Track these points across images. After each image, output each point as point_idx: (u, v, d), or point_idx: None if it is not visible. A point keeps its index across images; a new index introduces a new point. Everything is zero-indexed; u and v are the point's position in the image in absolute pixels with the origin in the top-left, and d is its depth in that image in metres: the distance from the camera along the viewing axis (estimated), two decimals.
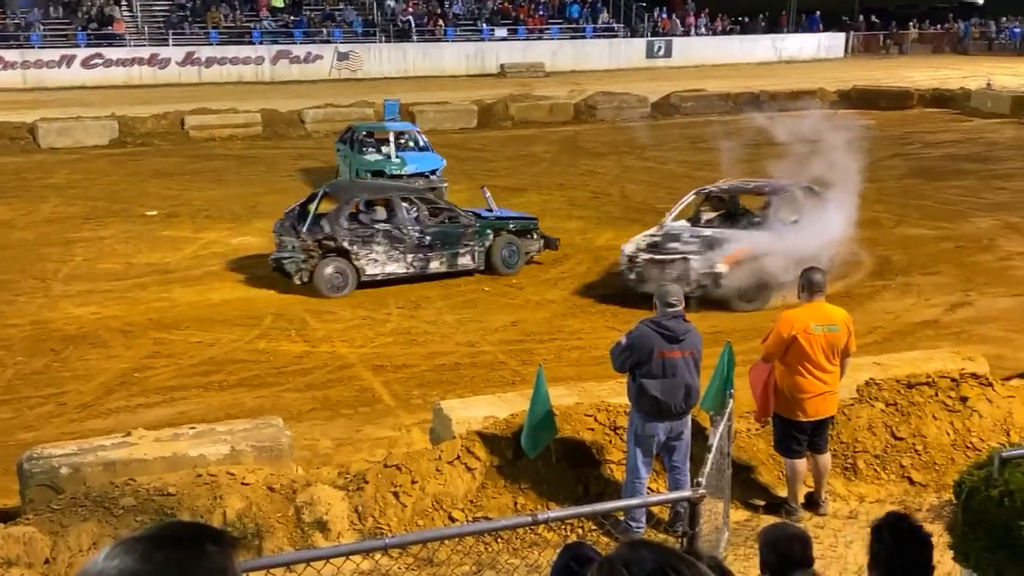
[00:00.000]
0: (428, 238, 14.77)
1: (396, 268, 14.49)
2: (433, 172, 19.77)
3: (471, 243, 14.89)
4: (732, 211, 14.73)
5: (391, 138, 20.42)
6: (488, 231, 15.17)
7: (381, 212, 15.09)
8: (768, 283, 13.17)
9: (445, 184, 19.37)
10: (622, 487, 7.41)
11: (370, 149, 20.49)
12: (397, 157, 19.93)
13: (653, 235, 14.13)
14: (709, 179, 21.88)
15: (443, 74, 39.73)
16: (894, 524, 3.74)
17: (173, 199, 19.96)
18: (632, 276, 13.62)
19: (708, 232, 13.92)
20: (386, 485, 7.32)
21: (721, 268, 13.13)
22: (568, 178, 22.30)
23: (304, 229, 14.21)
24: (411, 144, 20.78)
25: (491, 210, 16.09)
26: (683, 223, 14.48)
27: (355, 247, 14.27)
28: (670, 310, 7.12)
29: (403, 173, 19.33)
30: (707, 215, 14.78)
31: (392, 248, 14.50)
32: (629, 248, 13.93)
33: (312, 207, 14.70)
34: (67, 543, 6.76)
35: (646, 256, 13.59)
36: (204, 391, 11.05)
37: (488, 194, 16.61)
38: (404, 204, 14.99)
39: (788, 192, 14.38)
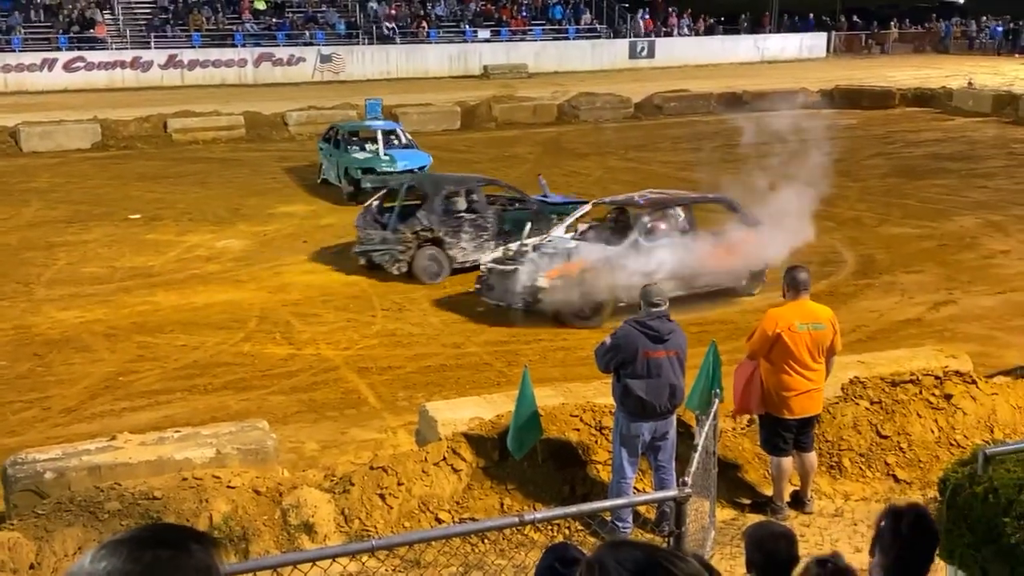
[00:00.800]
0: (507, 225, 15.31)
1: (481, 255, 14.63)
2: (422, 168, 20.16)
3: (540, 228, 14.73)
4: (617, 224, 13.93)
5: (379, 136, 20.80)
6: (553, 216, 15.39)
7: (463, 202, 15.66)
8: (602, 301, 12.78)
9: None
10: (608, 487, 7.43)
11: (355, 147, 20.90)
12: (386, 154, 20.38)
13: (523, 244, 13.75)
14: (692, 179, 22.01)
15: (426, 76, 39.72)
16: (916, 520, 3.73)
17: (156, 202, 19.89)
18: (478, 284, 13.61)
19: (558, 245, 13.47)
20: (372, 487, 7.31)
21: (542, 282, 12.76)
22: (551, 179, 22.27)
23: (397, 222, 14.98)
24: (395, 142, 21.32)
25: (546, 196, 16.86)
26: (563, 233, 14.02)
27: (448, 236, 14.99)
28: (654, 310, 7.14)
29: (394, 170, 19.58)
30: (583, 226, 14.28)
31: (477, 236, 15.19)
32: (488, 257, 13.94)
33: (398, 202, 15.52)
34: (52, 548, 6.74)
35: (491, 265, 13.53)
36: (189, 394, 11.02)
37: (543, 181, 17.56)
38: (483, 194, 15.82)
39: (667, 210, 13.85)
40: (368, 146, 20.90)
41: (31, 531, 6.84)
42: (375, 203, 15.88)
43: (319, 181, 21.40)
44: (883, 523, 3.75)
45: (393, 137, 21.36)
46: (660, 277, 11.47)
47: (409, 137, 21.68)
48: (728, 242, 13.30)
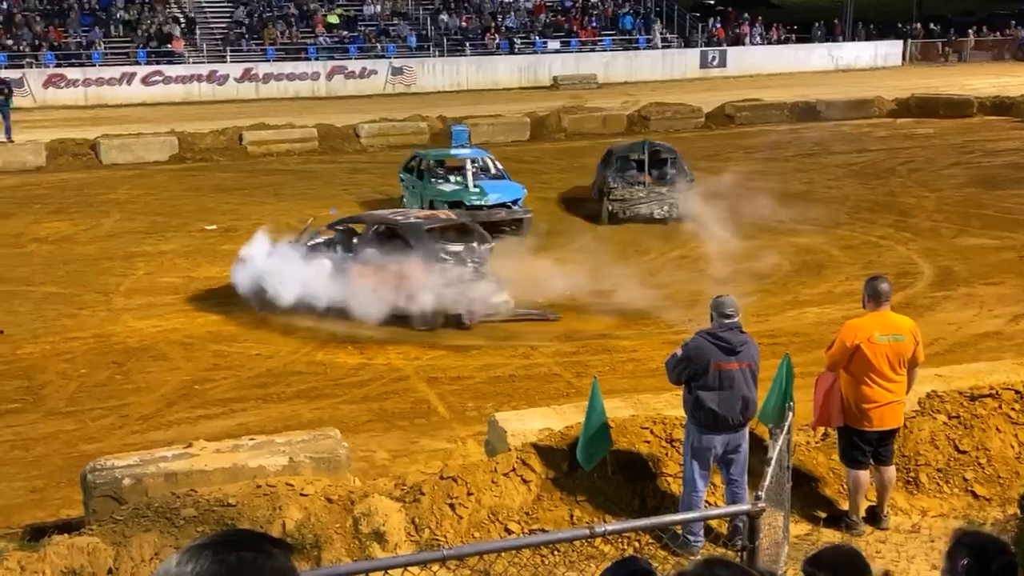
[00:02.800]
0: None
1: None
2: (515, 202, 18.64)
3: None
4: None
5: (467, 166, 19.17)
6: None
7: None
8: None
9: (529, 214, 18.36)
10: (679, 500, 7.36)
11: (441, 179, 19.25)
12: (476, 186, 18.69)
13: None
14: (766, 188, 21.80)
15: (496, 87, 39.84)
16: (1006, 568, 3.45)
17: (232, 213, 20.22)
18: None
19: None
20: (442, 497, 7.34)
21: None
22: None
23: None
24: (485, 172, 19.51)
25: None
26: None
27: None
28: (727, 321, 7.06)
29: (485, 203, 18.20)
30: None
31: None
32: None
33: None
34: (129, 553, 6.86)
35: None
36: (263, 403, 11.17)
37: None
38: None
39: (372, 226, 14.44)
40: (454, 177, 19.20)
41: (109, 536, 6.97)
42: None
43: None
44: (964, 561, 3.41)
45: (482, 167, 19.58)
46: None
47: (500, 166, 19.84)
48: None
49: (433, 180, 19.12)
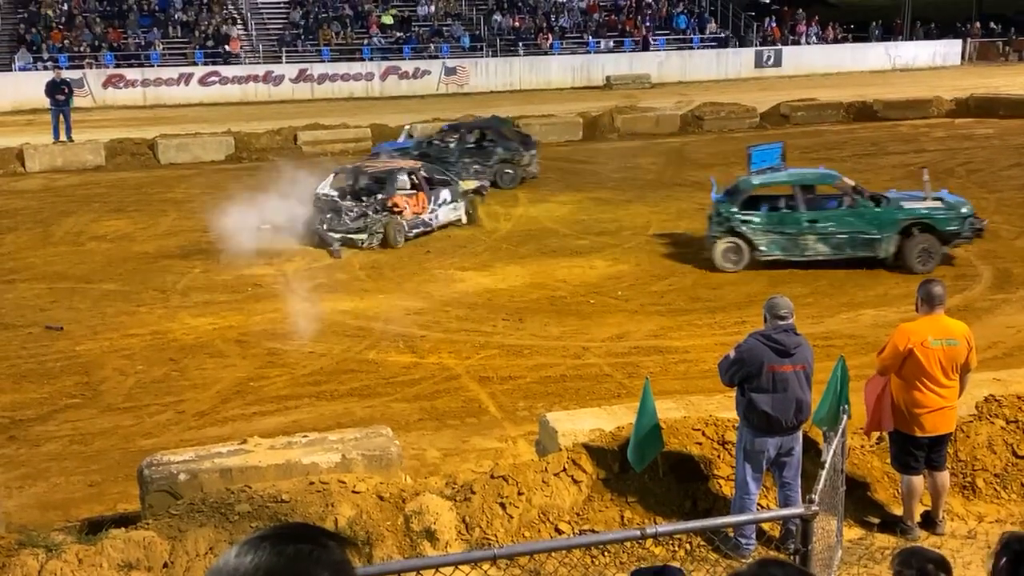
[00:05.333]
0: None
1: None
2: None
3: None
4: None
5: (797, 193, 16.03)
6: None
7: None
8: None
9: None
10: (731, 503, 7.31)
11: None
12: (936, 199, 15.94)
13: None
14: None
15: (549, 87, 39.84)
16: None
17: (284, 212, 20.34)
18: None
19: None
20: (493, 496, 7.36)
21: None
22: (674, 190, 22.14)
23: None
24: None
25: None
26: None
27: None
28: (781, 323, 7.00)
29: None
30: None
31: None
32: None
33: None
34: (184, 548, 6.96)
35: None
36: (316, 400, 11.28)
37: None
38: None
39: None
40: (781, 203, 16.28)
41: (165, 531, 7.08)
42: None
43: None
44: (1002, 561, 3.46)
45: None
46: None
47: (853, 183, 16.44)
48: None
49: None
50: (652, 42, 44.29)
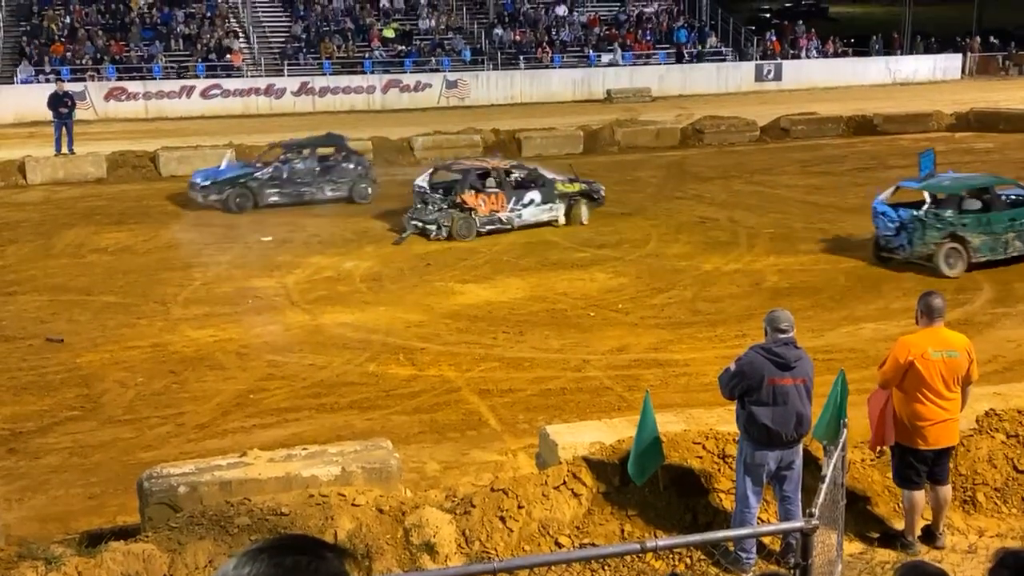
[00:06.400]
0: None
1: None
2: None
3: None
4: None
5: (993, 194, 16.96)
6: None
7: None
8: None
9: None
10: (732, 516, 7.30)
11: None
12: None
13: None
14: (821, 203, 21.63)
15: (550, 100, 39.89)
16: None
17: (287, 224, 20.42)
18: None
19: None
20: (493, 509, 7.35)
21: None
22: (674, 203, 22.18)
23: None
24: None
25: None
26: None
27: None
28: (781, 336, 7.00)
29: None
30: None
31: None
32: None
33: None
34: (184, 560, 6.95)
35: None
36: (316, 412, 11.27)
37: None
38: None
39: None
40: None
41: (164, 543, 7.07)
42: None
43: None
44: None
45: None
46: None
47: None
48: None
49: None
50: (652, 55, 44.43)
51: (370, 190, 22.56)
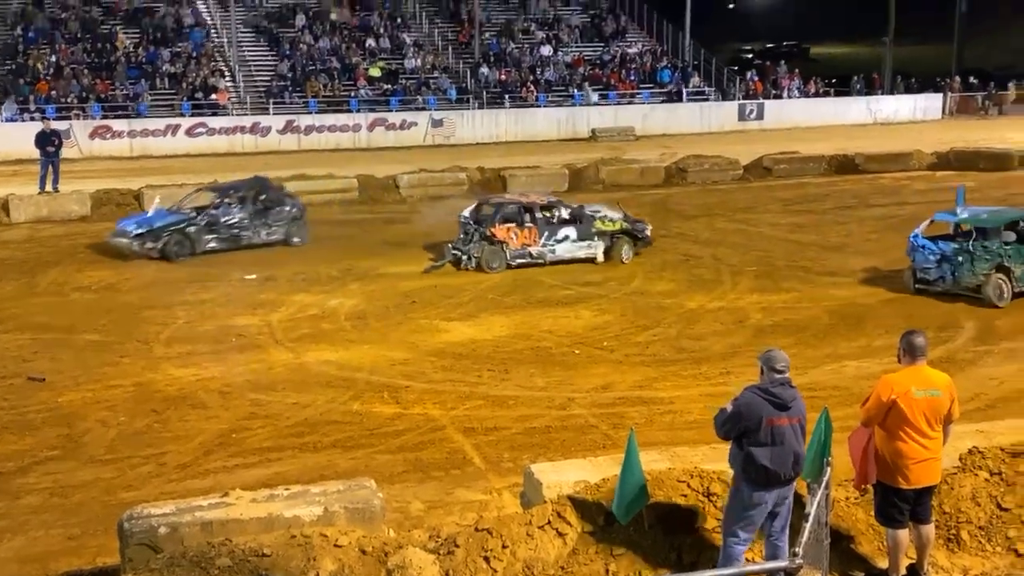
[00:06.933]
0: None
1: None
2: None
3: None
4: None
5: None
6: None
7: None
8: None
9: None
10: (719, 555, 7.26)
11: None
12: None
13: None
14: (803, 241, 21.77)
15: (535, 139, 40.12)
16: None
17: (271, 262, 20.41)
18: None
19: None
20: (477, 549, 7.30)
21: None
22: (659, 240, 22.25)
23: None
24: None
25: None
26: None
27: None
28: (778, 376, 6.99)
29: None
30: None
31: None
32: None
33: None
34: None
35: None
36: (299, 452, 11.21)
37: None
38: None
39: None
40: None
41: None
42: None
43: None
44: None
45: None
46: None
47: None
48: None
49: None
50: (637, 94, 44.79)
51: (305, 232, 22.30)
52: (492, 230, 19.71)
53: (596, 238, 20.19)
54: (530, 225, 19.96)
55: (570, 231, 20.13)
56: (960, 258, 16.81)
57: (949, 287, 16.98)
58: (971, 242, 16.91)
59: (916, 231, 17.76)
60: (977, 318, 15.87)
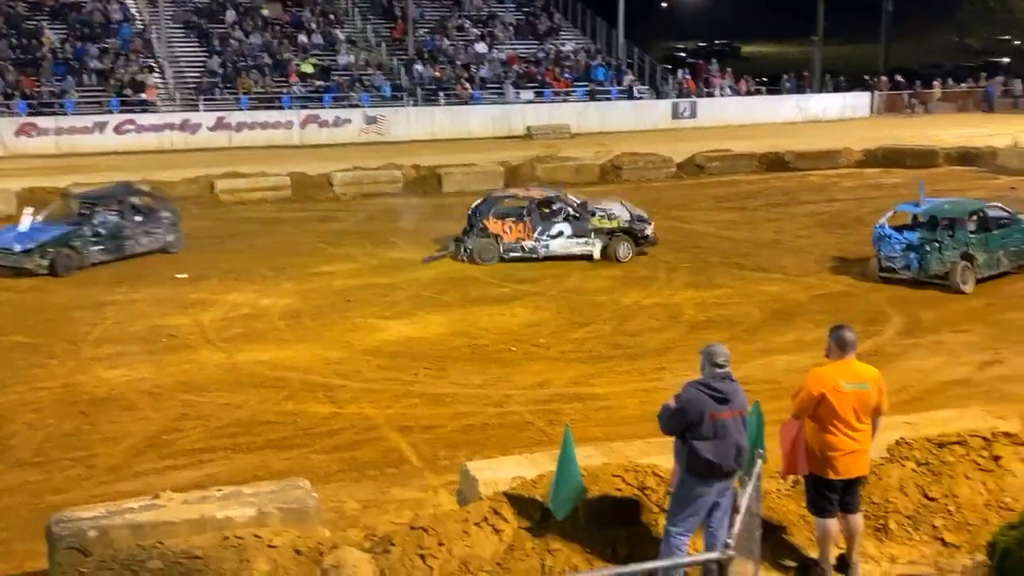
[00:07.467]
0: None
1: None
2: None
3: None
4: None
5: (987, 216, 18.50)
6: None
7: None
8: None
9: None
10: (660, 546, 7.29)
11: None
12: None
13: None
14: (736, 238, 22.02)
15: (470, 136, 40.04)
16: None
17: (202, 262, 20.17)
18: None
19: None
20: (413, 547, 7.28)
21: None
22: None
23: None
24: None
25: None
26: None
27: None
28: (719, 371, 7.05)
29: None
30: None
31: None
32: None
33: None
34: None
35: None
36: (232, 453, 11.09)
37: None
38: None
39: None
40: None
41: None
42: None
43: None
44: None
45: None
46: None
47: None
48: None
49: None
50: (571, 92, 44.96)
51: (181, 238, 21.43)
52: (486, 223, 20.01)
53: (593, 235, 20.19)
54: (527, 219, 20.14)
55: (565, 227, 20.21)
56: (928, 247, 17.56)
57: (915, 275, 17.67)
58: (940, 231, 17.70)
59: (881, 221, 18.49)
60: (904, 312, 16.18)
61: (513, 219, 20.20)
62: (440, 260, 20.13)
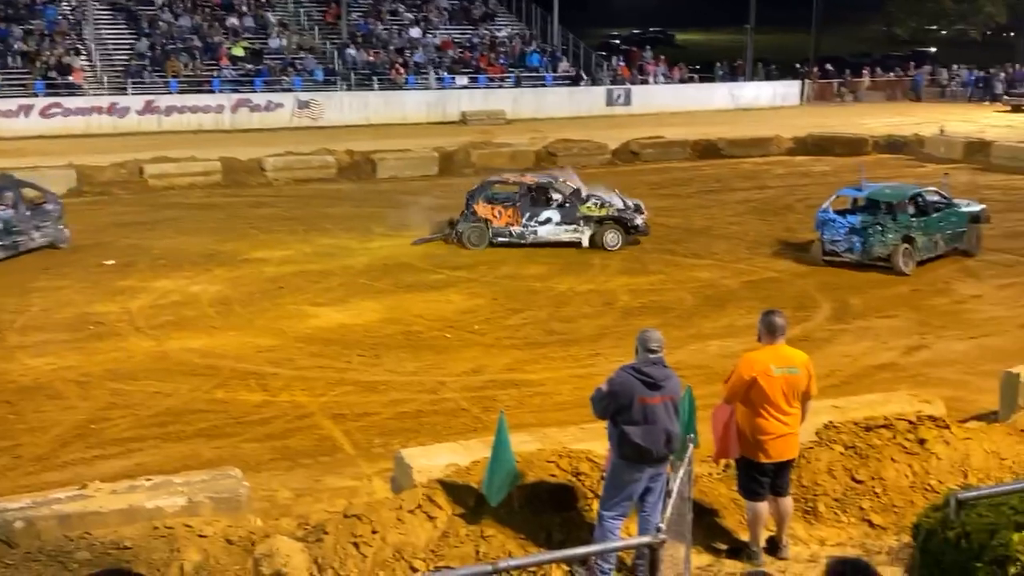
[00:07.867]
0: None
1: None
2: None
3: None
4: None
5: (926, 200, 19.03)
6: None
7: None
8: None
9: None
10: (594, 531, 7.35)
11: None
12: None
13: None
14: (669, 224, 22.18)
15: (404, 122, 39.82)
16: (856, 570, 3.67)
17: (131, 248, 19.83)
18: None
19: None
20: (346, 536, 7.24)
21: None
22: None
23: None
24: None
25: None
26: None
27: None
28: (651, 356, 7.10)
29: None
30: None
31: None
32: None
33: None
34: None
35: None
36: (162, 442, 10.93)
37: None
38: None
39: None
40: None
41: None
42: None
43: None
44: None
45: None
46: None
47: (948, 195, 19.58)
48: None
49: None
50: (506, 78, 44.91)
51: (67, 232, 20.01)
52: (476, 207, 20.07)
53: (582, 223, 20.11)
54: (517, 204, 20.16)
55: (553, 214, 20.15)
56: (871, 230, 17.96)
57: (858, 257, 18.11)
58: (882, 214, 18.14)
59: (825, 206, 18.93)
60: (833, 298, 16.44)
61: (503, 204, 20.23)
62: (430, 243, 20.19)
